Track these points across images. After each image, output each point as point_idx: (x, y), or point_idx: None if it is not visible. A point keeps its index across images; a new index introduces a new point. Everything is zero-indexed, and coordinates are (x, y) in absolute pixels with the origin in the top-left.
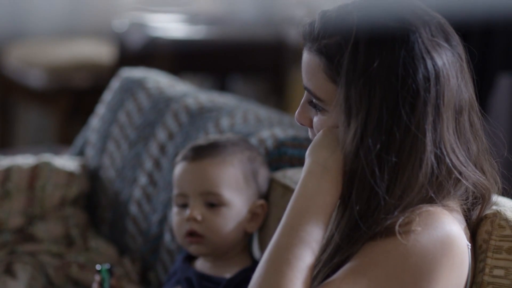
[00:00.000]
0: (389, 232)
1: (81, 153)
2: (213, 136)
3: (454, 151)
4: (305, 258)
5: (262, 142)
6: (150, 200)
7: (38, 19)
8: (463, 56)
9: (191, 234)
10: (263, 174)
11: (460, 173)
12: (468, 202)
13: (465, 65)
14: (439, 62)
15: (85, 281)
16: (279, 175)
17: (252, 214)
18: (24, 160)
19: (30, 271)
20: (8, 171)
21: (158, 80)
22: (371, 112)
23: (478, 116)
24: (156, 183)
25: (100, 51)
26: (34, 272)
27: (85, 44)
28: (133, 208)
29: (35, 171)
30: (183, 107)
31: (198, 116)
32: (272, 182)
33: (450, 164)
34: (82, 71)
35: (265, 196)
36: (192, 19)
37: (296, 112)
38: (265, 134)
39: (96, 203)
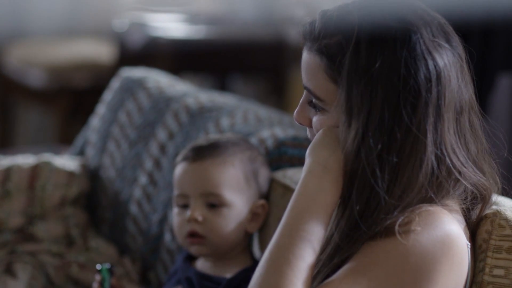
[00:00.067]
0: (388, 232)
1: (81, 153)
2: (213, 136)
3: (454, 152)
4: (306, 257)
5: (262, 142)
6: (150, 200)
7: (38, 19)
8: (463, 57)
9: (192, 235)
10: (264, 174)
11: (460, 173)
12: (467, 202)
13: (465, 65)
14: (441, 63)
15: (85, 281)
16: (279, 175)
17: (253, 214)
18: (24, 160)
19: (30, 271)
20: (8, 171)
21: (158, 80)
22: (372, 112)
23: (478, 116)
24: (156, 183)
25: (100, 51)
26: (34, 271)
27: (85, 44)
28: (133, 208)
29: (35, 171)
30: (183, 107)
31: (198, 116)
32: (272, 182)
33: (450, 165)
34: (82, 71)
35: (266, 196)
36: (192, 19)
37: (295, 111)
38: (265, 133)
39: (96, 203)
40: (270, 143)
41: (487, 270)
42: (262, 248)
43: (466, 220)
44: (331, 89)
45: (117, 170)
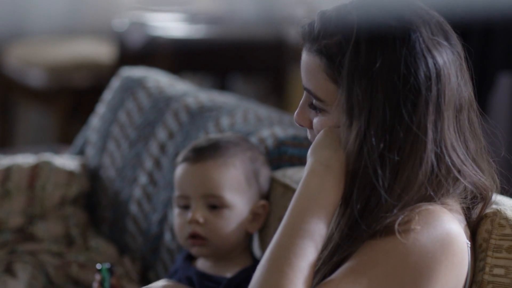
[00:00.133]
0: (388, 231)
1: (81, 152)
2: (213, 135)
3: (454, 150)
4: (307, 257)
5: (262, 141)
6: (150, 199)
7: (38, 18)
8: (462, 55)
9: (194, 236)
10: (265, 173)
11: (459, 172)
12: (467, 201)
13: (464, 63)
14: (440, 61)
15: (85, 280)
16: (279, 175)
17: (254, 215)
18: (24, 159)
19: (30, 271)
20: (8, 170)
21: (158, 79)
22: (373, 112)
23: (477, 115)
24: (156, 183)
25: (100, 51)
26: (34, 271)
27: (85, 43)
28: (133, 208)
29: (35, 171)
30: (183, 106)
31: (198, 115)
32: (272, 181)
33: (449, 163)
34: (82, 71)
35: (266, 195)
36: (192, 18)
37: (295, 113)
38: (265, 133)
39: (96, 202)
40: (270, 142)
41: (487, 269)
42: (263, 247)
43: (466, 219)
44: (331, 90)
45: (117, 169)
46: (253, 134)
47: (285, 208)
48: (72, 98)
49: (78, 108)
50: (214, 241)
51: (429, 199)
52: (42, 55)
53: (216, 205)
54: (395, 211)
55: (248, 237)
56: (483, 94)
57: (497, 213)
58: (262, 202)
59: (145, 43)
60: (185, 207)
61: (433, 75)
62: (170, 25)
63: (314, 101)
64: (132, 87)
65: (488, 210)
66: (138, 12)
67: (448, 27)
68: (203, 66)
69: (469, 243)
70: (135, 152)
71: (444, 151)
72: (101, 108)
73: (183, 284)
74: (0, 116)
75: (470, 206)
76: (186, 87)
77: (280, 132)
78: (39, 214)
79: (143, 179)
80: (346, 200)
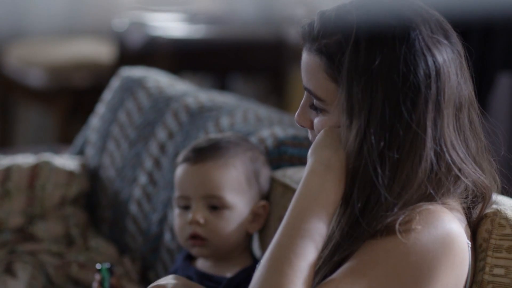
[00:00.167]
0: (389, 230)
1: (81, 152)
2: (214, 136)
3: (454, 148)
4: (307, 257)
5: (262, 141)
6: (150, 199)
7: (38, 18)
8: (462, 54)
9: (194, 237)
10: (265, 174)
11: (460, 170)
12: (468, 201)
13: (464, 62)
14: (440, 59)
15: (85, 280)
16: (279, 174)
17: (254, 215)
18: (24, 159)
19: (30, 271)
20: (8, 170)
21: (158, 79)
22: (373, 110)
23: (477, 113)
24: (156, 183)
25: (100, 51)
26: (34, 271)
27: (85, 43)
28: (133, 208)
29: (35, 171)
30: (183, 106)
31: (198, 115)
32: (272, 181)
33: (449, 161)
34: (82, 71)
35: (266, 195)
36: (192, 18)
37: (296, 114)
38: (265, 133)
39: (96, 202)
40: (270, 142)
41: (487, 269)
42: (262, 247)
43: (467, 219)
44: (331, 89)
45: (117, 169)
46: (253, 134)
47: (285, 208)
48: (72, 98)
49: (78, 108)
50: (215, 241)
51: (430, 198)
52: (42, 55)
53: (216, 205)
54: (395, 209)
55: (248, 237)
56: (483, 94)
57: (497, 213)
58: (263, 202)
59: (145, 43)
60: (186, 208)
61: (433, 73)
62: (170, 25)
63: (314, 101)
64: (132, 87)
65: (488, 210)
66: (138, 12)
67: (448, 26)
68: (203, 66)
69: (470, 243)
70: (135, 152)
71: (444, 149)
72: (101, 108)
73: (191, 281)
74: (0, 116)
75: (471, 206)
76: (186, 87)
77: (280, 132)
78: (39, 214)
79: (143, 179)
80: (346, 199)
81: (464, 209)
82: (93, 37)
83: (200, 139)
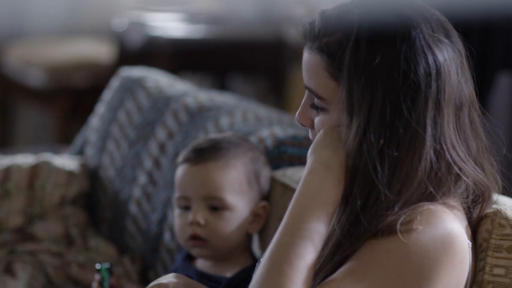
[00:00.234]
0: (390, 230)
1: (80, 152)
2: (214, 135)
3: (454, 147)
4: (307, 257)
5: (261, 141)
6: (149, 199)
7: (38, 18)
8: (463, 53)
9: (194, 237)
10: (266, 174)
11: (460, 169)
12: (468, 200)
13: (465, 61)
14: (440, 58)
15: (85, 280)
16: (279, 174)
17: (254, 216)
18: (24, 159)
19: (30, 271)
20: (7, 170)
21: (158, 79)
22: (373, 108)
23: (478, 113)
24: (156, 183)
25: (99, 51)
26: (34, 271)
27: (85, 43)
28: (133, 208)
29: (34, 171)
30: (183, 106)
31: (198, 115)
32: (272, 181)
33: (450, 160)
34: (81, 71)
35: (266, 195)
36: (192, 18)
37: (297, 113)
38: (265, 133)
39: (96, 202)
40: (269, 142)
41: (487, 269)
42: (262, 247)
43: (467, 219)
44: (332, 87)
45: (116, 169)
46: (253, 134)
47: (284, 208)
48: (71, 98)
49: (78, 108)
50: (215, 242)
51: (431, 198)
52: (42, 55)
53: (217, 206)
54: (395, 208)
55: (248, 238)
56: (483, 93)
57: (497, 213)
58: (263, 203)
59: (145, 43)
60: (186, 208)
61: (433, 72)
62: (170, 25)
63: (315, 100)
64: (132, 87)
65: (488, 210)
66: (137, 12)
67: (449, 26)
68: (203, 66)
69: (470, 243)
70: (134, 152)
71: (444, 147)
72: (101, 108)
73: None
74: (0, 116)
75: (471, 206)
76: (185, 87)
77: (280, 132)
78: (39, 214)
79: (142, 179)
80: (347, 198)
81: (464, 208)
82: (92, 37)
83: (201, 139)
